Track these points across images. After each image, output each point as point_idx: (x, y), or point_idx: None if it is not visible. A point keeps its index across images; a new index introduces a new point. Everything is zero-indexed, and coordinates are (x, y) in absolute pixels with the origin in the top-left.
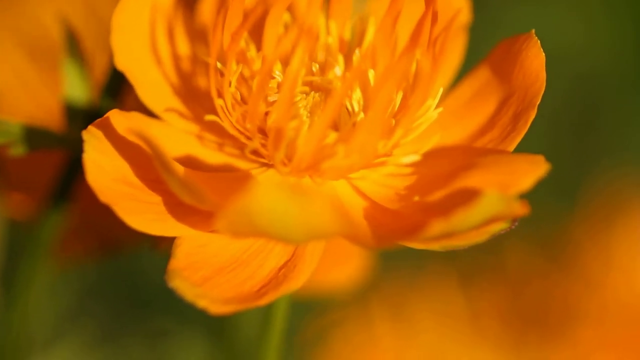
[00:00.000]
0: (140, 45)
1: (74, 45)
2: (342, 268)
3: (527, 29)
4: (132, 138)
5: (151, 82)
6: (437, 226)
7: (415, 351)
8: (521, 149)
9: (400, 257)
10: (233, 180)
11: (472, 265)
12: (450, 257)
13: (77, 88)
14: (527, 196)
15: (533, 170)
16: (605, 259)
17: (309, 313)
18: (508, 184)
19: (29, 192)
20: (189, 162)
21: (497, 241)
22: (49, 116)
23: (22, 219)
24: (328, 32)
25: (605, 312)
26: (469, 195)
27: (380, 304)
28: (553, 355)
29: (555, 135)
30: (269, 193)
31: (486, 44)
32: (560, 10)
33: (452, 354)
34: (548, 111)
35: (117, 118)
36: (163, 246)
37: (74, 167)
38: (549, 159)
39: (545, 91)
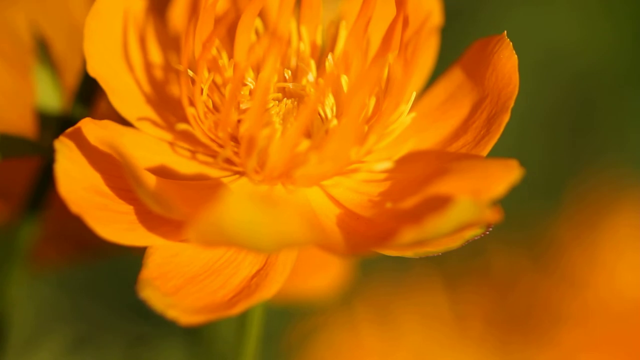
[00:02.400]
0: (113, 52)
1: (45, 52)
2: (322, 274)
3: (525, 28)
4: (103, 148)
5: (123, 89)
6: (409, 233)
7: (400, 353)
8: (517, 147)
9: (384, 259)
10: (205, 188)
11: (457, 267)
12: (435, 259)
13: (49, 95)
14: (519, 196)
15: (506, 175)
16: (589, 260)
17: (292, 318)
18: (481, 189)
19: (4, 199)
20: (162, 170)
21: (481, 243)
22: (26, 121)
23: None
24: (300, 38)
25: (589, 312)
26: (441, 202)
27: (364, 306)
28: (537, 356)
29: (553, 134)
30: (239, 203)
31: None
32: (558, 10)
33: (437, 356)
34: (545, 109)
35: (89, 127)
36: (139, 251)
37: (47, 174)
38: (546, 158)
39: (543, 89)
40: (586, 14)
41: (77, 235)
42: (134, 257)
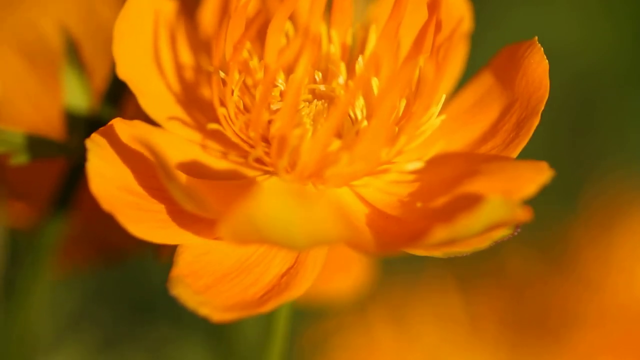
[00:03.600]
0: (142, 54)
1: (73, 53)
2: (343, 276)
3: (525, 28)
4: (135, 146)
5: (153, 90)
6: (440, 232)
7: (414, 355)
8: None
9: (399, 261)
10: (236, 188)
11: (471, 269)
12: (450, 260)
13: (77, 96)
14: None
15: (536, 177)
16: (605, 262)
17: (309, 319)
18: (511, 190)
19: (30, 201)
20: (192, 170)
21: (496, 244)
22: (50, 123)
23: (23, 227)
24: (330, 40)
25: (604, 315)
26: (472, 201)
27: (379, 307)
28: (552, 358)
29: (553, 134)
30: (272, 199)
31: (485, 43)
32: (558, 10)
33: (451, 357)
34: (546, 110)
35: (121, 126)
36: (165, 254)
37: (74, 175)
38: (546, 158)
39: None
40: (586, 14)
41: (102, 237)
42: (150, 261)
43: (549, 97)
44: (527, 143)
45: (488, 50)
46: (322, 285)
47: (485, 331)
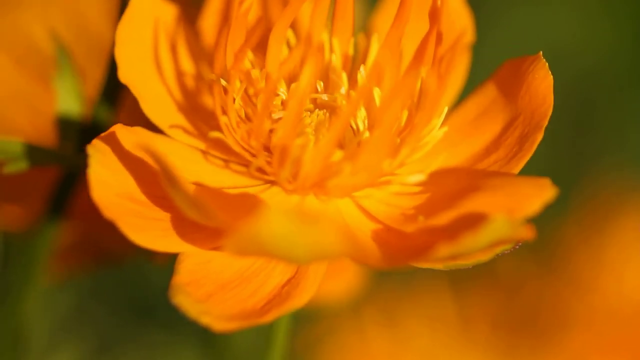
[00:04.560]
0: (144, 60)
1: (65, 60)
2: (337, 279)
3: (525, 28)
4: (138, 153)
5: (155, 96)
6: (445, 249)
7: (407, 356)
8: None
9: None
10: (238, 197)
11: (464, 271)
12: (461, 268)
13: (69, 103)
14: None
15: (539, 194)
16: (596, 263)
17: (303, 321)
18: (514, 207)
19: (24, 205)
20: (194, 177)
21: (497, 257)
22: (44, 128)
23: (17, 232)
24: (332, 50)
25: (596, 316)
26: (476, 219)
27: (373, 309)
28: (544, 359)
29: (553, 134)
30: (278, 217)
31: (485, 43)
32: (558, 10)
33: (444, 359)
34: None
35: (122, 132)
36: (160, 260)
37: (68, 182)
38: (546, 158)
39: None
40: (586, 14)
41: (96, 244)
42: (150, 265)
43: None
44: None
45: (488, 51)
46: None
47: (477, 332)
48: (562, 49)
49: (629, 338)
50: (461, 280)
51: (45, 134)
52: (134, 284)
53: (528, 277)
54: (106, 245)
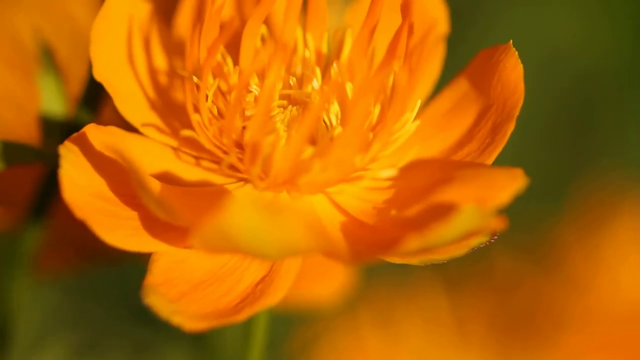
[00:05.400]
0: (119, 57)
1: (49, 58)
2: (327, 281)
3: (525, 28)
4: (108, 153)
5: (129, 94)
6: (413, 241)
7: (402, 357)
8: (517, 147)
9: (386, 263)
10: (209, 195)
11: (458, 271)
12: (436, 263)
13: (53, 101)
14: (522, 198)
15: (511, 184)
16: (592, 263)
17: (296, 323)
18: (486, 197)
19: (7, 205)
20: (166, 176)
21: (473, 251)
22: (32, 126)
23: (0, 231)
24: (305, 45)
25: (591, 316)
26: (445, 210)
27: (367, 310)
28: (540, 359)
29: (553, 134)
30: (243, 210)
31: (484, 43)
32: (558, 10)
33: (439, 359)
34: (546, 109)
35: (94, 133)
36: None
37: (52, 181)
38: (546, 158)
39: (543, 89)
40: (586, 14)
41: (81, 243)
42: (138, 262)
43: (549, 97)
44: (527, 143)
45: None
46: (309, 289)
47: (472, 333)
48: (562, 49)
49: (624, 338)
50: (456, 280)
51: (33, 132)
52: (124, 282)
53: (523, 277)
54: (91, 244)
